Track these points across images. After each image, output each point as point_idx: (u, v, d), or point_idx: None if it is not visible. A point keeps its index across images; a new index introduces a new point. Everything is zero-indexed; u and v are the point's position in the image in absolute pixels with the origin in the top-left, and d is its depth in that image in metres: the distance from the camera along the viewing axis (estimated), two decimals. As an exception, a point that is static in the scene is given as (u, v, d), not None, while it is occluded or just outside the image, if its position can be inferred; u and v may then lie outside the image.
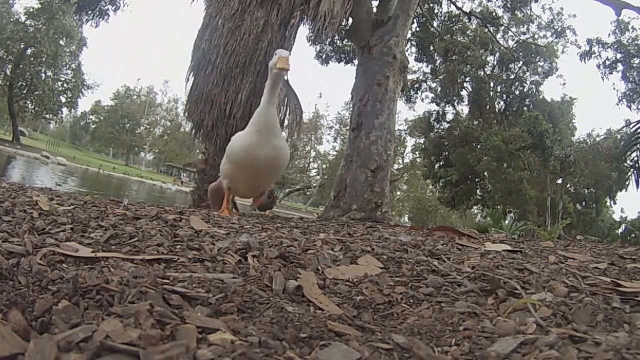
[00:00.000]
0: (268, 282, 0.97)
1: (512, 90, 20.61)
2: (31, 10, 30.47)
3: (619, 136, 19.14)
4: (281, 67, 2.44)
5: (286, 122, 6.25)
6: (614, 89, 17.39)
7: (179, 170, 46.77)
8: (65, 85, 34.77)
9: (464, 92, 21.09)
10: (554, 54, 19.32)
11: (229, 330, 0.65)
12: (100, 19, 12.54)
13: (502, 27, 18.27)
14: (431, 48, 17.59)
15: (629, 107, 16.82)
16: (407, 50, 10.03)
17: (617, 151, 17.07)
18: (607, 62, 16.58)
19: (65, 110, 37.45)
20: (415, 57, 17.57)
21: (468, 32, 18.66)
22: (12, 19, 30.39)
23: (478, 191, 20.86)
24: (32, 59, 31.56)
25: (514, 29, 18.94)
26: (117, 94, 58.33)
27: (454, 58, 18.20)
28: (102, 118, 58.37)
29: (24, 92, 32.52)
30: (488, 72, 20.66)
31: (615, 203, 23.47)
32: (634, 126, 9.94)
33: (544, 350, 0.63)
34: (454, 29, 17.70)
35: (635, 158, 9.47)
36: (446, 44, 17.56)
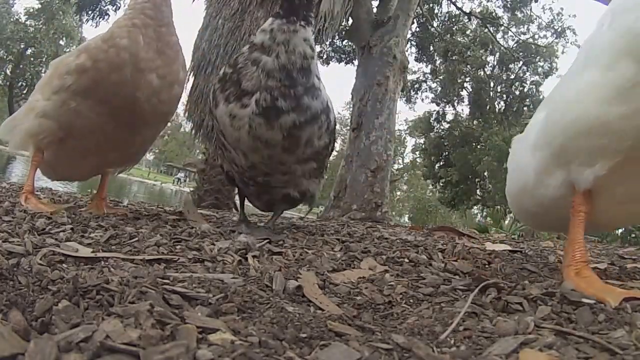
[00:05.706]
0: (268, 282, 0.97)
1: (512, 91, 20.60)
2: (31, 10, 30.49)
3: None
4: None
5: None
6: (614, 88, 17.38)
7: (178, 170, 46.96)
8: (65, 85, 34.85)
9: (464, 92, 21.10)
10: (554, 54, 19.33)
11: (229, 330, 0.65)
12: (101, 19, 12.58)
13: (502, 27, 18.30)
14: (431, 48, 17.61)
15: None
16: (407, 50, 10.03)
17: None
18: (607, 62, 16.57)
19: (65, 110, 37.53)
20: (415, 57, 17.60)
21: (468, 32, 18.67)
22: (12, 19, 30.41)
23: (478, 191, 20.81)
24: (32, 59, 31.54)
25: (514, 29, 18.96)
26: (117, 94, 58.33)
27: (454, 58, 18.21)
28: (102, 118, 58.40)
29: (24, 92, 32.49)
30: (488, 72, 20.65)
31: (615, 203, 23.45)
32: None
33: (544, 351, 0.63)
34: (454, 29, 17.71)
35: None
36: (446, 44, 17.56)
